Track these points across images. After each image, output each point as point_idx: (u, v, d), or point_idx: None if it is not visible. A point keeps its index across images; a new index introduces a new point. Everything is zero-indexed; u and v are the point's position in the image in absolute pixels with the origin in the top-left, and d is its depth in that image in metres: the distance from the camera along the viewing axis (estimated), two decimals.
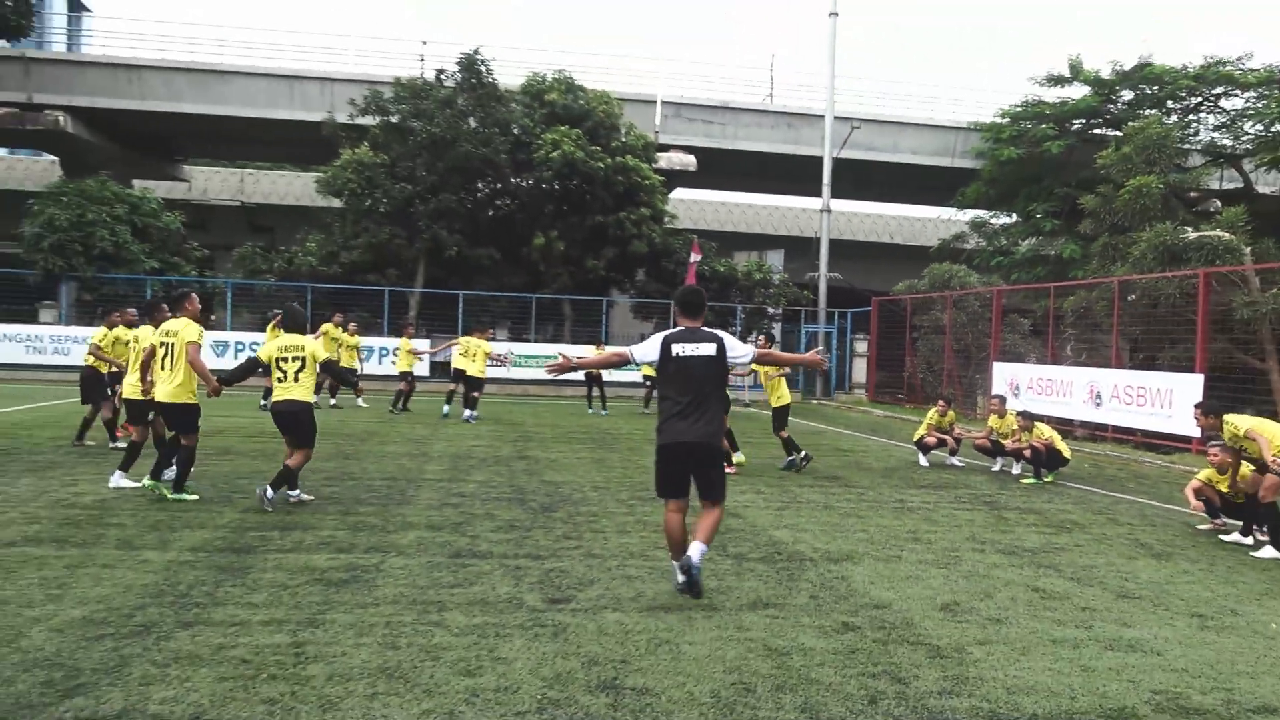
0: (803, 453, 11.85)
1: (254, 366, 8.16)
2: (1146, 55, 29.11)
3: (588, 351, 26.56)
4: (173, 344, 7.93)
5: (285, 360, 7.81)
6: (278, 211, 40.68)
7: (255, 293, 27.96)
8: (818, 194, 29.49)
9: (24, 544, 6.15)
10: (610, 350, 6.99)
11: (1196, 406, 8.89)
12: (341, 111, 28.19)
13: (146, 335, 8.65)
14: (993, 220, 33.51)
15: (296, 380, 7.80)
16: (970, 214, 33.76)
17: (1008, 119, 31.68)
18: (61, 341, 24.41)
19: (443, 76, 27.78)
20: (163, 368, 7.98)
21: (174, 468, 8.13)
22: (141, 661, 4.17)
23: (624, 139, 28.73)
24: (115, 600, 5.05)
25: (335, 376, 7.50)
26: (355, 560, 6.15)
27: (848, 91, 43.58)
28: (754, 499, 9.34)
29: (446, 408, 16.87)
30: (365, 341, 25.61)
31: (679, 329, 5.79)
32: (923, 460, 12.84)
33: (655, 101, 33.09)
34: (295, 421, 7.84)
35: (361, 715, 3.73)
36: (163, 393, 7.98)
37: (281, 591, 5.36)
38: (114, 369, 11.32)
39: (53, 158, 37.04)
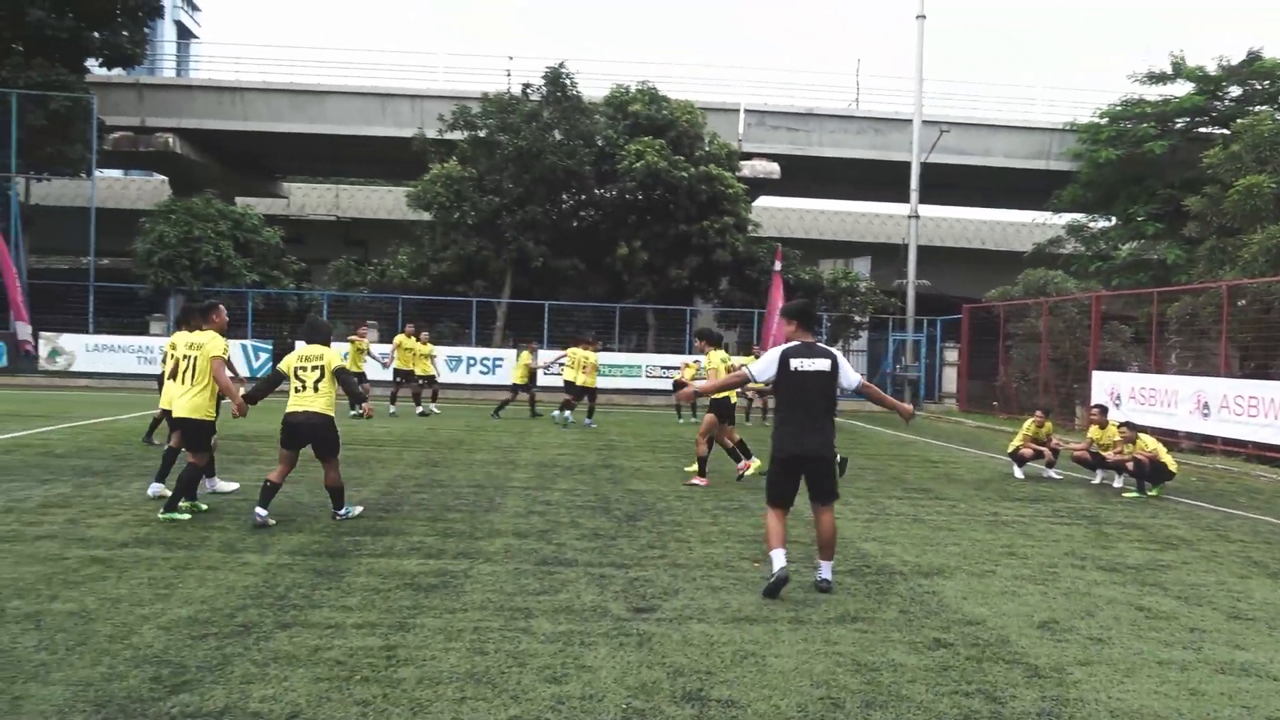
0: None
1: (277, 380, 7.69)
2: (1256, 48, 27.74)
3: (675, 360, 26.60)
4: (195, 357, 7.61)
5: (304, 370, 7.48)
6: (371, 225, 41.97)
7: (349, 304, 28.84)
8: (905, 200, 28.98)
9: (135, 545, 6.45)
10: (731, 375, 6.95)
11: None
12: (431, 127, 28.93)
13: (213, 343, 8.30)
14: (1091, 224, 32.36)
15: (316, 390, 7.44)
16: (1067, 218, 32.68)
17: (1106, 119, 30.60)
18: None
19: (528, 91, 28.27)
20: (181, 381, 7.66)
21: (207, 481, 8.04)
22: (242, 660, 4.33)
23: (707, 148, 28.72)
24: (218, 601, 5.25)
25: (346, 389, 7.43)
26: (444, 566, 6.26)
27: (936, 95, 42.54)
28: (841, 510, 9.15)
29: (565, 414, 17.50)
30: (453, 351, 26.23)
31: (795, 344, 6.05)
32: (1018, 472, 12.44)
33: (738, 110, 33.03)
34: (315, 434, 7.46)
35: (450, 719, 3.79)
36: (180, 407, 7.63)
37: (374, 595, 5.49)
38: None
39: (163, 177, 39.00)
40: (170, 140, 32.80)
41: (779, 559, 5.84)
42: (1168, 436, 15.06)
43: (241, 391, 7.70)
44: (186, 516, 7.44)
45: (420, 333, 19.40)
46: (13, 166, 26.37)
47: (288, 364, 7.57)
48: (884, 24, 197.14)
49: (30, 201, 29.86)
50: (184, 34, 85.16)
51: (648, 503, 9.16)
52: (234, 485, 8.74)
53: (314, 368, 7.46)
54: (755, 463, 11.08)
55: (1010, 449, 12.91)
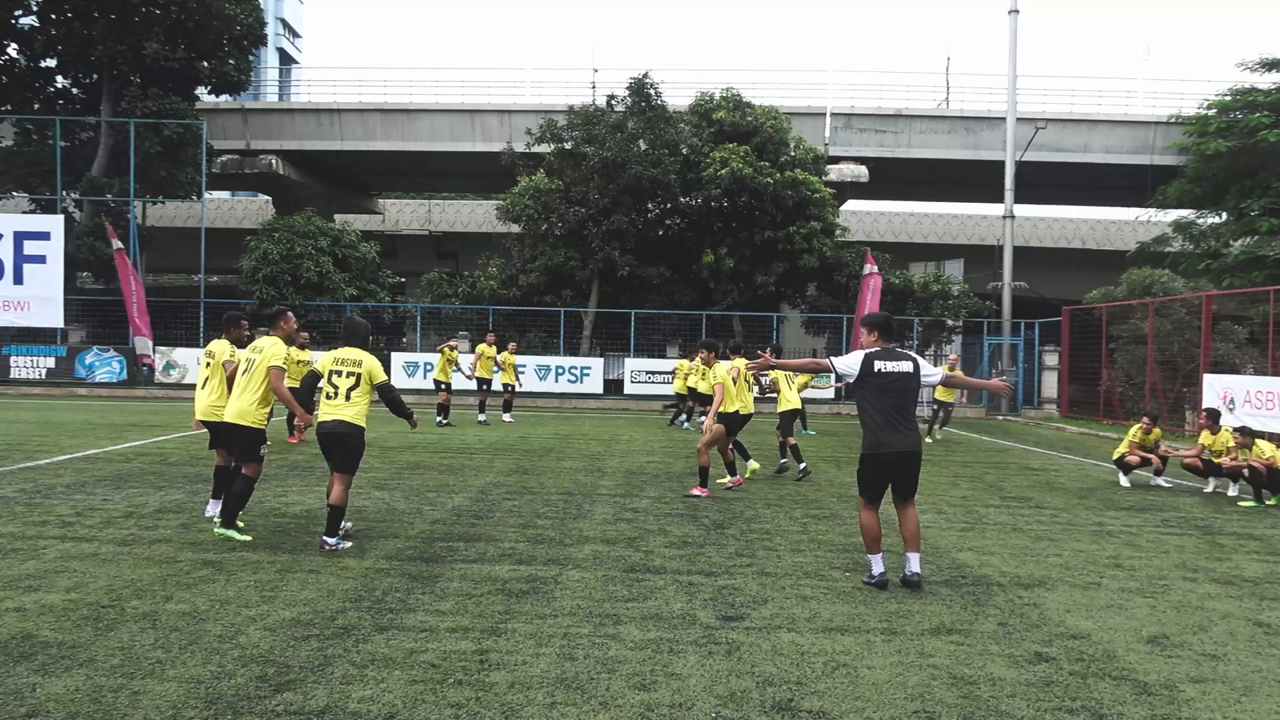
0: (803, 464, 11.68)
1: (315, 381, 7.22)
2: None
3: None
4: (255, 361, 7.23)
5: (339, 374, 6.86)
6: (461, 238, 42.95)
7: (442, 316, 29.53)
8: (999, 200, 28.18)
9: (243, 549, 6.72)
10: (812, 361, 7.06)
11: None
12: (519, 141, 29.45)
13: (223, 350, 8.02)
14: (1199, 220, 30.84)
15: (348, 399, 6.81)
16: (1173, 214, 31.24)
17: (1215, 110, 29.16)
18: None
19: (613, 102, 28.52)
20: (237, 384, 7.29)
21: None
22: (342, 662, 4.47)
23: (792, 153, 28.48)
24: (320, 603, 5.44)
25: (392, 406, 6.94)
26: (535, 572, 6.35)
27: (1031, 91, 41.45)
28: (935, 519, 8.96)
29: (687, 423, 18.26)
30: (541, 360, 26.59)
31: (877, 349, 6.30)
32: (1123, 480, 11.93)
33: (824, 114, 32.66)
34: (342, 444, 6.83)
35: None
36: (230, 410, 7.21)
37: (467, 600, 5.60)
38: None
39: (267, 197, 40.72)
40: (273, 161, 34.25)
41: (878, 564, 6.22)
42: None
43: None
44: (245, 538, 6.95)
45: (509, 343, 19.78)
46: (131, 191, 27.90)
47: (323, 365, 6.98)
48: (975, 21, 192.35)
49: (146, 223, 31.54)
50: (285, 60, 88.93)
51: (736, 510, 9.11)
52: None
53: (349, 374, 6.86)
54: (753, 465, 11.36)
55: (1115, 456, 12.40)
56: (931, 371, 6.42)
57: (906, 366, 6.22)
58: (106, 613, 5.14)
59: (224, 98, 32.98)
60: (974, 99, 38.47)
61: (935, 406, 18.29)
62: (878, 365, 6.17)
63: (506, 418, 19.54)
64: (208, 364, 8.05)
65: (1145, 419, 12.42)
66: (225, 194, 49.75)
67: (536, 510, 8.79)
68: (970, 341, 30.24)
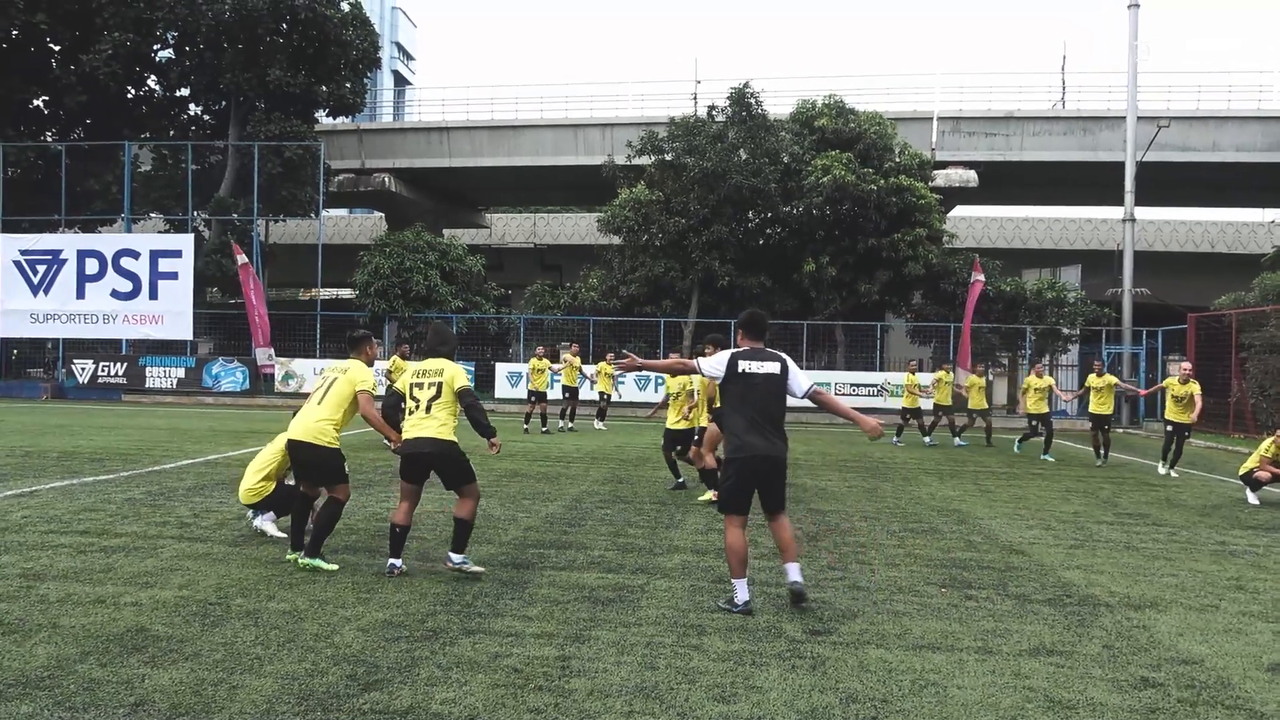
0: (680, 479, 11.00)
1: (398, 400, 6.73)
2: None
3: (866, 378, 26.00)
4: (336, 380, 6.66)
5: (419, 386, 6.34)
6: (564, 250, 43.66)
7: (545, 326, 30.06)
8: (1119, 202, 26.93)
9: (344, 552, 6.97)
10: (677, 358, 6.54)
11: None
12: (620, 154, 29.77)
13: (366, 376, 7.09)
14: None
15: (428, 412, 6.24)
16: None
17: None
18: (383, 375, 27.57)
19: (714, 112, 28.53)
20: (317, 402, 6.63)
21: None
22: (429, 664, 4.58)
23: (897, 159, 27.89)
24: (411, 606, 5.59)
25: (472, 417, 6.34)
26: (622, 580, 6.37)
27: (1153, 88, 39.39)
28: (1042, 535, 8.59)
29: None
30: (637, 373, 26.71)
31: (744, 349, 5.91)
32: (1251, 498, 11.18)
33: (931, 118, 31.89)
34: (443, 463, 6.24)
35: None
36: (300, 428, 6.53)
37: (553, 606, 5.66)
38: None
39: (380, 214, 42.30)
40: (386, 179, 35.59)
41: (743, 589, 5.70)
42: None
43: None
44: (332, 568, 6.41)
45: (607, 354, 20.12)
46: (255, 210, 29.45)
47: (404, 382, 6.50)
48: (1092, 17, 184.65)
49: (269, 241, 33.22)
50: (400, 81, 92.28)
51: (830, 523, 8.94)
52: (279, 534, 7.44)
53: (430, 384, 6.31)
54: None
55: (1243, 471, 11.64)
56: (801, 383, 5.86)
57: (773, 368, 5.80)
58: (214, 609, 5.41)
59: (341, 119, 34.51)
60: (1091, 98, 37.09)
61: (1033, 421, 17.17)
62: (742, 366, 5.76)
63: (599, 425, 19.79)
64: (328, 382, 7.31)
65: (1279, 432, 11.62)
66: (341, 211, 51.92)
67: (628, 519, 8.83)
68: (1087, 351, 28.93)
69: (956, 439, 18.51)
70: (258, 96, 30.10)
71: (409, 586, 6.05)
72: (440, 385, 6.29)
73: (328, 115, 33.22)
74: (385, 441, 6.91)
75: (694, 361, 6.12)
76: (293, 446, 6.62)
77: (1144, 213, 30.80)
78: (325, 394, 6.62)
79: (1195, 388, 13.52)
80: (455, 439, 6.29)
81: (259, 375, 27.65)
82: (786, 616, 5.59)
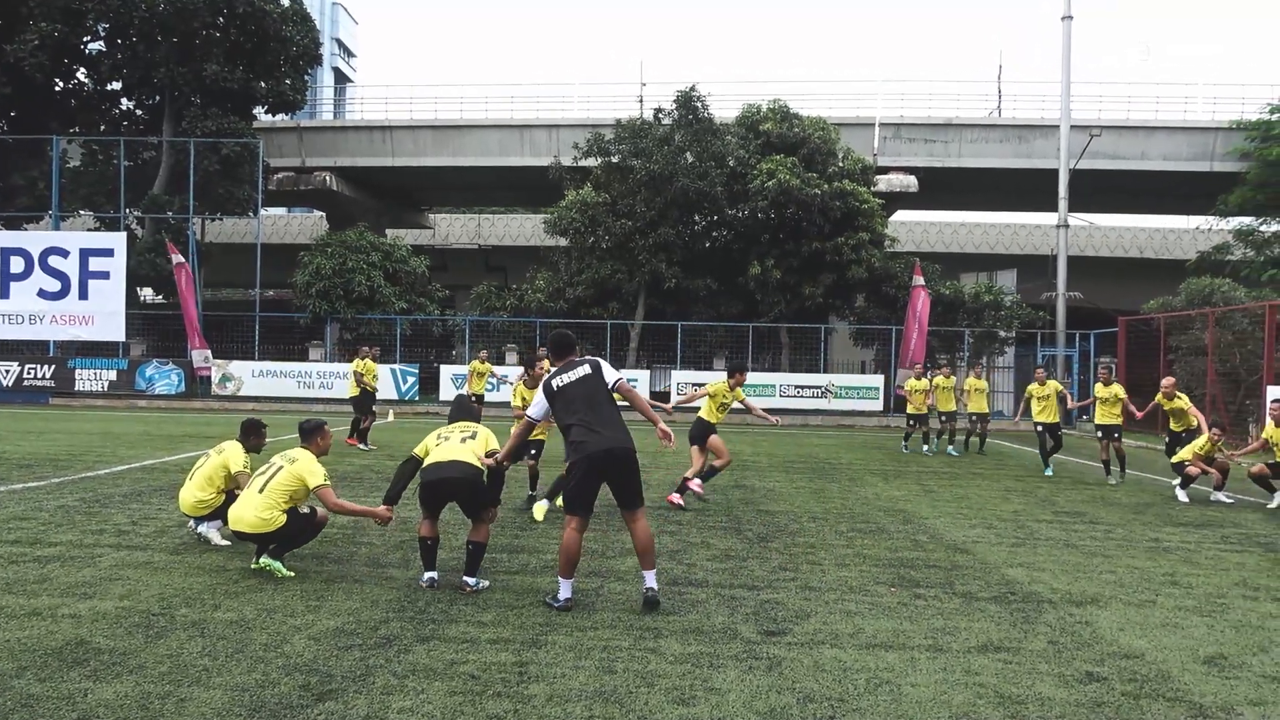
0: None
1: (415, 468, 6.38)
2: None
3: (809, 380, 26.35)
4: (281, 469, 6.51)
5: (452, 433, 6.44)
6: (510, 252, 43.36)
7: (490, 328, 29.84)
8: (1053, 209, 27.67)
9: (290, 558, 6.80)
10: (518, 427, 6.45)
11: None
12: (566, 155, 29.69)
13: (238, 459, 7.38)
14: (1262, 228, 29.97)
15: (462, 444, 6.30)
16: (1234, 222, 30.42)
17: (1278, 115, 28.34)
18: (327, 377, 27.12)
19: (660, 115, 28.61)
20: (258, 490, 6.44)
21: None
22: (384, 672, 4.51)
23: (840, 164, 28.28)
24: (363, 613, 5.50)
25: (490, 482, 6.36)
26: (576, 584, 6.32)
27: (1085, 97, 40.63)
28: (985, 534, 8.79)
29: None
30: None
31: (556, 368, 6.07)
32: (1181, 495, 11.56)
33: (873, 124, 32.40)
34: (468, 489, 6.20)
35: None
36: (244, 522, 6.38)
37: (508, 612, 5.62)
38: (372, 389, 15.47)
39: (320, 213, 41.54)
40: (327, 178, 34.95)
41: (566, 589, 5.78)
42: None
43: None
44: (288, 574, 6.32)
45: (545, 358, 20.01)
46: (190, 209, 28.69)
47: (426, 443, 6.38)
48: (1027, 28, 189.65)
49: (205, 240, 32.40)
50: (340, 79, 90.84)
51: (780, 524, 9.02)
52: (222, 541, 7.26)
53: (468, 432, 6.43)
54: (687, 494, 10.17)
55: (1176, 460, 12.02)
56: (610, 375, 6.00)
57: (584, 371, 5.95)
58: (157, 620, 5.26)
59: (280, 117, 33.78)
60: (1026, 107, 37.83)
61: (972, 419, 17.58)
62: (555, 383, 5.92)
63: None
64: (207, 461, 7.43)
65: (1214, 429, 12.02)
66: (281, 210, 50.87)
67: None
68: (1023, 353, 29.68)
69: (926, 446, 17.66)
70: (193, 92, 29.30)
71: (360, 594, 5.95)
72: (477, 433, 6.40)
73: (267, 112, 32.49)
74: (375, 522, 6.62)
75: (526, 415, 6.21)
76: (242, 536, 6.48)
77: (1077, 219, 31.64)
78: (268, 482, 6.44)
79: (1118, 389, 13.80)
80: (481, 469, 6.24)
81: (195, 378, 26.94)
82: (741, 618, 5.63)
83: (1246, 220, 30.19)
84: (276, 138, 34.63)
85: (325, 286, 28.55)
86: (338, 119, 49.01)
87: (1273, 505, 11.10)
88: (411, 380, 27.17)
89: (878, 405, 27.06)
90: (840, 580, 6.71)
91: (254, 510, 6.36)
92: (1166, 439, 13.94)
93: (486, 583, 6.30)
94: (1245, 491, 12.01)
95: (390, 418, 22.47)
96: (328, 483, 6.50)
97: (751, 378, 26.75)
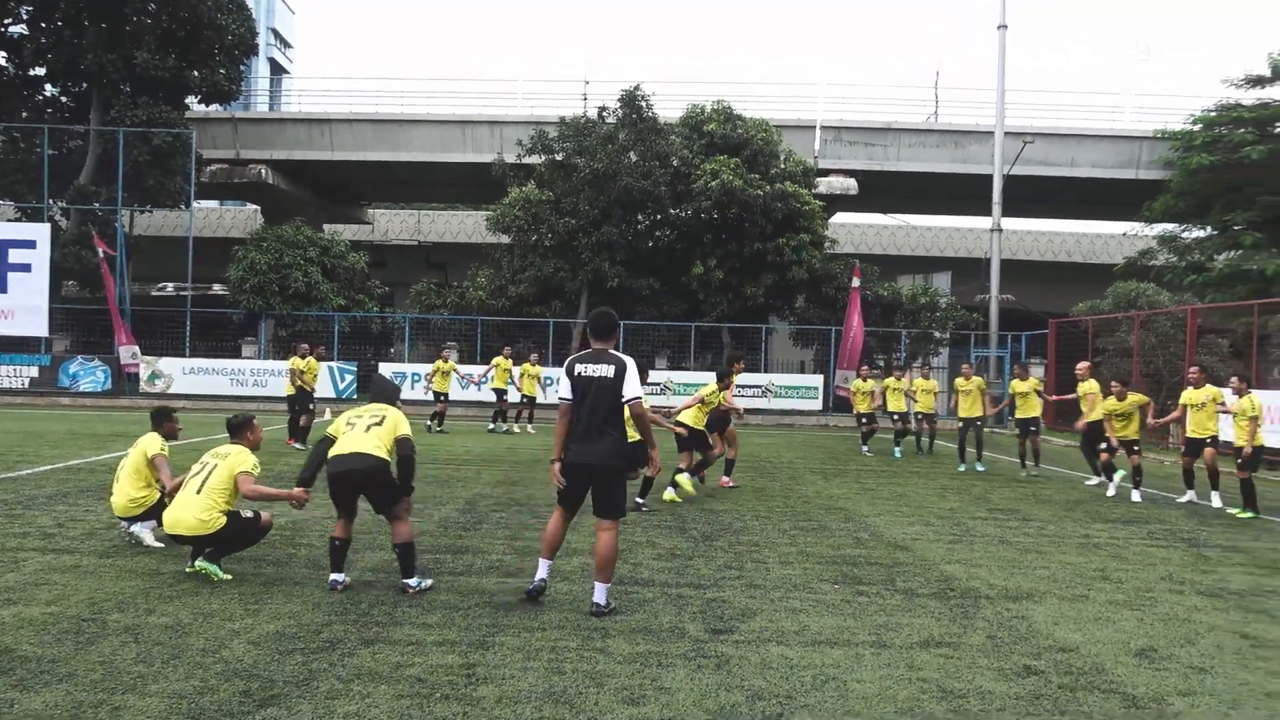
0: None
1: (326, 447, 6.17)
2: None
3: (751, 380, 26.54)
4: (215, 467, 6.42)
5: (359, 418, 6.21)
6: (451, 249, 42.89)
7: (430, 326, 29.47)
8: (987, 213, 28.34)
9: (228, 561, 6.64)
10: (559, 418, 5.91)
11: None
12: (510, 152, 29.47)
13: (154, 444, 7.34)
14: (1184, 235, 31.09)
15: (366, 432, 6.07)
16: (1159, 228, 31.49)
17: (1200, 125, 29.43)
18: (261, 374, 26.50)
19: (604, 113, 28.58)
20: (195, 490, 6.32)
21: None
22: (328, 676, 4.42)
23: (783, 165, 28.58)
24: (305, 616, 5.39)
25: (402, 471, 6.09)
26: (523, 585, 6.29)
27: (1019, 105, 41.65)
28: (923, 531, 8.96)
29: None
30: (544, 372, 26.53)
31: (584, 352, 5.92)
32: (1110, 490, 12.07)
33: (814, 126, 32.80)
34: (376, 480, 6.00)
35: None
36: (182, 525, 6.24)
37: (454, 613, 5.56)
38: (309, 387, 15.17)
39: (255, 207, 40.60)
40: (263, 171, 34.14)
41: (541, 569, 5.93)
42: (1270, 455, 14.32)
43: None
44: (226, 577, 6.16)
45: (530, 354, 20.10)
46: (119, 200, 27.77)
47: (336, 425, 6.24)
48: (964, 35, 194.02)
49: (134, 232, 31.38)
50: (276, 70, 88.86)
51: (724, 523, 9.09)
52: (156, 543, 7.10)
53: (375, 417, 6.19)
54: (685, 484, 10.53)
55: (1089, 419, 12.70)
56: (629, 389, 5.67)
57: (606, 371, 5.70)
58: (87, 626, 5.08)
59: (214, 107, 32.89)
60: (962, 113, 38.92)
61: (919, 418, 17.86)
62: (578, 369, 5.76)
63: (530, 429, 19.64)
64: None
65: (1115, 384, 12.50)
66: (214, 203, 49.58)
67: (524, 522, 8.75)
68: (957, 354, 30.33)
69: (864, 447, 17.74)
70: (123, 79, 28.34)
71: (300, 597, 5.83)
72: (384, 419, 6.14)
73: (200, 102, 31.58)
74: (291, 505, 6.38)
75: (559, 402, 5.92)
76: (181, 539, 6.30)
77: (1010, 223, 32.49)
78: (204, 482, 6.31)
79: (1035, 383, 14.57)
80: (387, 459, 6.02)
81: (122, 375, 26.10)
82: (689, 617, 5.65)
83: (1170, 227, 31.26)
84: (210, 129, 33.73)
85: (260, 282, 27.90)
86: (274, 111, 48.05)
87: (1183, 500, 11.54)
88: (350, 378, 26.70)
89: (817, 405, 27.43)
90: (785, 578, 6.78)
91: (192, 511, 6.21)
92: (1017, 429, 14.95)
93: (430, 581, 6.19)
94: (1159, 486, 12.45)
95: (328, 416, 22.06)
96: (254, 472, 6.42)
97: (693, 376, 26.96)
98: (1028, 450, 14.59)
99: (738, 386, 26.68)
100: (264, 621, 5.26)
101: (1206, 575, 7.35)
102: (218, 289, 44.27)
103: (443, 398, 19.08)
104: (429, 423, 18.65)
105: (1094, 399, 13.25)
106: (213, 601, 5.64)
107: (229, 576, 6.19)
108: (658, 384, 24.93)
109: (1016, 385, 14.74)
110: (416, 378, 26.35)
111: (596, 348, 5.88)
